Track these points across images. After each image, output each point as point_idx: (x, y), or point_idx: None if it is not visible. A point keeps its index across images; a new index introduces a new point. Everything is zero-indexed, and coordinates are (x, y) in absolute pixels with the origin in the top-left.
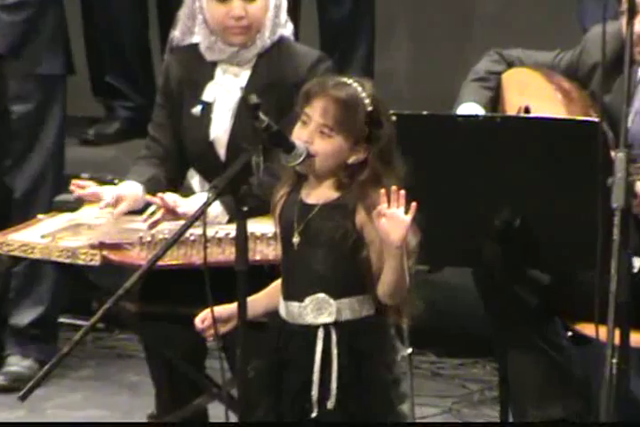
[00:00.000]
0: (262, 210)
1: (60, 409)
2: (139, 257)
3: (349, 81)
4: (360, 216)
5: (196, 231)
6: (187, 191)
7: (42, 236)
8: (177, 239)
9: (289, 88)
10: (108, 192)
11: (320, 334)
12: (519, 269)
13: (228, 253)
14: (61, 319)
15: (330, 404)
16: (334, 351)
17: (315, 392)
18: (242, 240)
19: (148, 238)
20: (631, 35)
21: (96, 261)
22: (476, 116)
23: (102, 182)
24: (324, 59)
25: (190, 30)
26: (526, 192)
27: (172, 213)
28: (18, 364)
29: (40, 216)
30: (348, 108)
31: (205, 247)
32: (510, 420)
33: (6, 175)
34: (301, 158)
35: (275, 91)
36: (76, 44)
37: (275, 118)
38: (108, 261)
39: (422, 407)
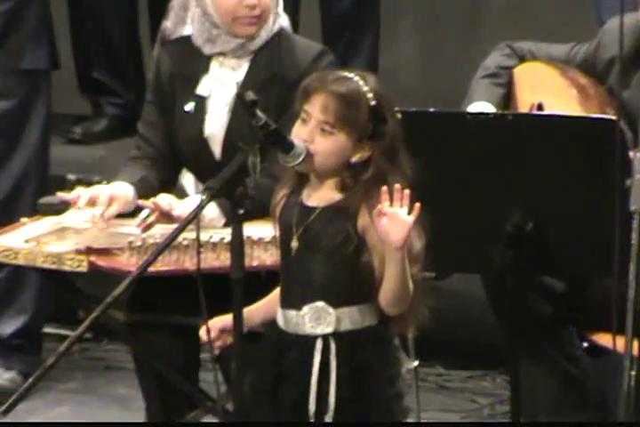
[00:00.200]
0: (259, 213)
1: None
2: (128, 263)
3: (350, 75)
4: (363, 219)
5: (189, 236)
6: (179, 192)
7: (25, 240)
8: (169, 244)
9: (289, 83)
10: (103, 192)
11: (318, 345)
12: (531, 275)
13: (223, 259)
14: (46, 329)
15: (328, 418)
16: (333, 363)
17: (312, 406)
18: (238, 245)
19: (139, 243)
20: None
21: (83, 268)
22: (486, 113)
23: (89, 185)
24: (326, 53)
25: (183, 20)
26: (539, 194)
27: (166, 217)
28: (0, 376)
29: (23, 219)
30: (349, 103)
31: (199, 253)
32: None
33: None
34: (301, 158)
35: (274, 86)
36: (62, 37)
37: (273, 116)
38: (96, 267)
39: (429, 422)
